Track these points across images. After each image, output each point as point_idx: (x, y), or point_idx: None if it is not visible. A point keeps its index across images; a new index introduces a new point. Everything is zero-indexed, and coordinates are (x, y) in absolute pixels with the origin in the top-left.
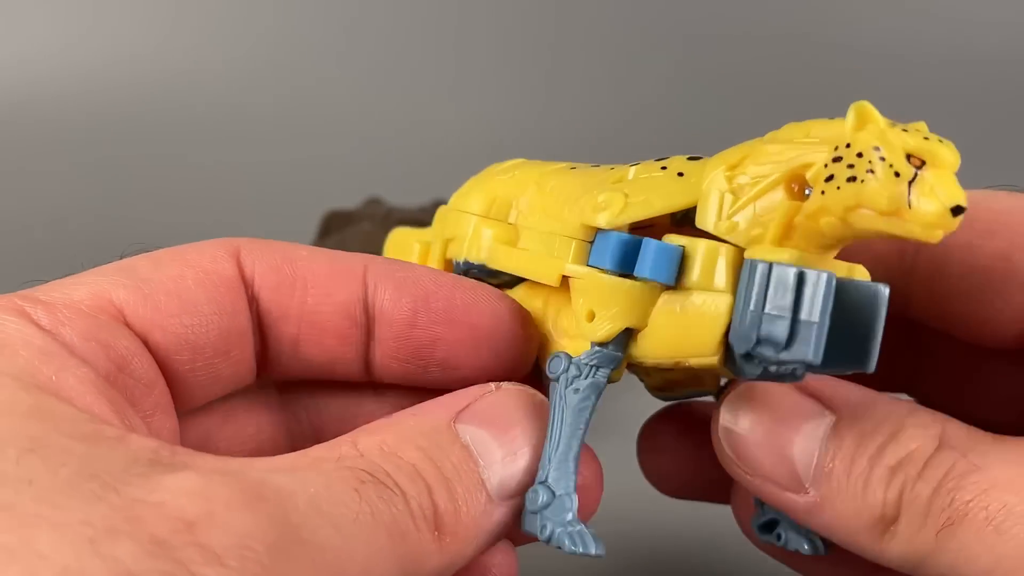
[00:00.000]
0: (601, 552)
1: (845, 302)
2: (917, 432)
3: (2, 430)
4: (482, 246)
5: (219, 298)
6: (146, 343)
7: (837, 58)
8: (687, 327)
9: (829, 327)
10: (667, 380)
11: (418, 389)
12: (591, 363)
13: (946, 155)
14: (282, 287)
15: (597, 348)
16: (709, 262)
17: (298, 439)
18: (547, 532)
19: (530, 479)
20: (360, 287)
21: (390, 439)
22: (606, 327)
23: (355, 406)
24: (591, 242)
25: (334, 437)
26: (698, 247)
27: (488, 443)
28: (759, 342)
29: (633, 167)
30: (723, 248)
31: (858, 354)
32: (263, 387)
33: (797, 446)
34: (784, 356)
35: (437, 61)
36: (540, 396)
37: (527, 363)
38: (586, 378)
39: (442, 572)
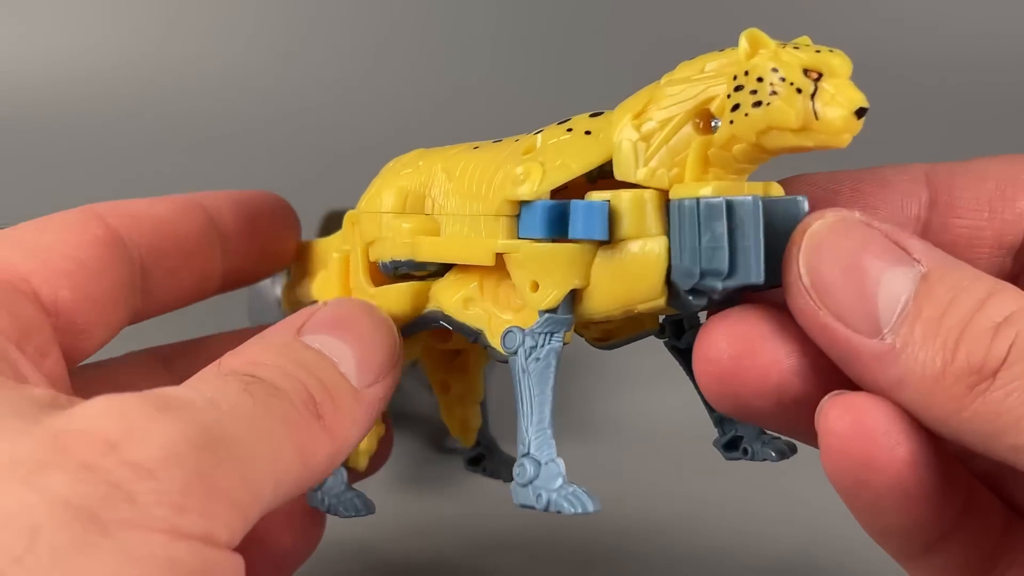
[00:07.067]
0: (598, 507)
1: (772, 220)
2: (1016, 294)
3: None
4: (404, 241)
5: (101, 254)
6: (55, 302)
7: None
8: (630, 276)
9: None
10: (606, 331)
11: None
12: (544, 331)
13: (839, 64)
14: (145, 231)
15: (547, 315)
16: (637, 210)
17: None
18: (543, 501)
19: (388, 358)
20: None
21: (250, 356)
22: (552, 294)
23: None
24: (517, 216)
25: None
26: (623, 198)
27: (335, 343)
28: (703, 276)
29: (538, 134)
30: (647, 194)
31: None
32: (148, 361)
33: (883, 286)
34: (729, 284)
35: (436, 62)
36: (364, 301)
37: None
38: (543, 346)
39: (332, 459)
